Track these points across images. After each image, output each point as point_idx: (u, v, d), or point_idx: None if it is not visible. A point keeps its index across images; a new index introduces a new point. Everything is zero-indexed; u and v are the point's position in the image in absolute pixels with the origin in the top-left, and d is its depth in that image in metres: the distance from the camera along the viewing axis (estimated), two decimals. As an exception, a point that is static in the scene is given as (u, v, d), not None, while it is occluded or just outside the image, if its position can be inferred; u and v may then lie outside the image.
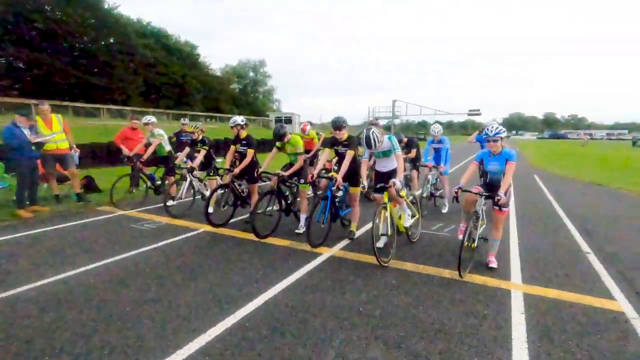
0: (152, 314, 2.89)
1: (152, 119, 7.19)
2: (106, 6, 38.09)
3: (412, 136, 7.47)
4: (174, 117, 32.09)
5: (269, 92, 75.69)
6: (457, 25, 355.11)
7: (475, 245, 3.74)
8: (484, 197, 3.75)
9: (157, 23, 59.32)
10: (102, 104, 31.92)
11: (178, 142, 8.35)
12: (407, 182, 7.36)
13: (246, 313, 2.91)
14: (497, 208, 3.73)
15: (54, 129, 6.33)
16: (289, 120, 39.40)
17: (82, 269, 3.79)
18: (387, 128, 46.79)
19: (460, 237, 3.74)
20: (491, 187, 3.85)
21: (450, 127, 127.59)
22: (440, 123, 8.02)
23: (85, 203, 6.68)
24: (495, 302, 3.16)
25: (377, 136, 4.22)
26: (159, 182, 7.32)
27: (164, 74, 44.99)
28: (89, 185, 7.74)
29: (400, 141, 7.22)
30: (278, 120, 39.05)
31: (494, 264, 3.92)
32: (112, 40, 39.48)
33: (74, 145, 6.75)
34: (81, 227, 5.41)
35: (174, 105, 44.17)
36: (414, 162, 7.07)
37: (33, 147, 5.92)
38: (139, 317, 2.84)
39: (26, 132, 5.93)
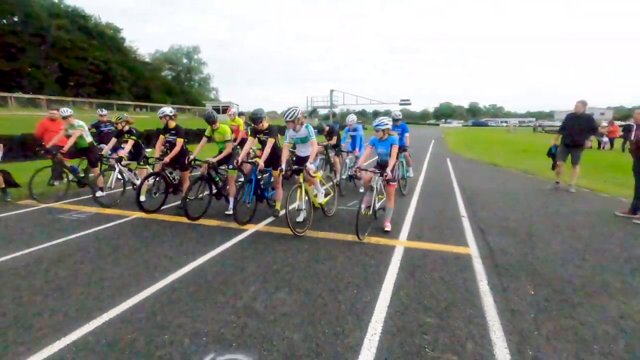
0: (88, 284, 3.27)
1: (69, 111, 7.04)
2: (7, -20, 33.50)
3: (332, 125, 8.29)
4: (98, 106, 29.74)
5: (204, 81, 72.81)
6: (393, 24, 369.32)
7: (371, 213, 4.60)
8: (377, 174, 4.62)
9: (72, 1, 53.16)
10: (8, 91, 28.48)
11: (99, 133, 8.16)
12: (332, 166, 8.21)
13: (176, 277, 3.43)
14: (387, 182, 4.63)
15: None
16: (226, 110, 38.63)
17: (12, 255, 3.94)
18: (326, 117, 48.09)
19: (364, 207, 4.59)
20: (382, 166, 4.74)
21: (388, 115, 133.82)
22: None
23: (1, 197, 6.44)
24: (381, 255, 4.04)
25: (294, 112, 4.85)
26: (82, 175, 7.24)
27: (84, 59, 41.05)
28: (6, 180, 7.34)
29: (322, 129, 8.04)
30: (215, 109, 38.10)
31: (388, 227, 4.85)
32: (16, 19, 34.97)
33: None
34: (7, 220, 5.35)
35: (97, 94, 40.61)
36: (335, 148, 7.91)
37: None
38: (75, 287, 3.21)
39: None
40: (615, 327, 2.66)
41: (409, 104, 44.63)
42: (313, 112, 44.85)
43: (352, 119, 7.54)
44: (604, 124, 20.52)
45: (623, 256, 4.05)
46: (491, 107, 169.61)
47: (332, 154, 8.21)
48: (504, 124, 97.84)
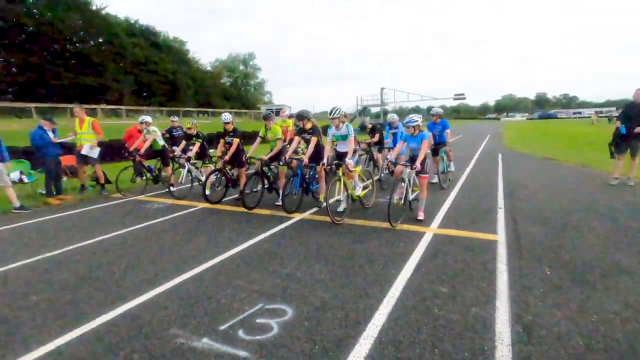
0: (170, 255, 4.19)
1: (148, 118, 8.39)
2: (94, 7, 38.42)
3: (374, 123, 8.75)
4: (167, 114, 32.96)
5: (259, 85, 76.28)
6: (451, 10, 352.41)
7: (403, 203, 5.03)
8: (408, 167, 5.03)
9: (145, 20, 59.27)
10: (95, 103, 32.66)
11: (171, 137, 9.49)
12: (375, 162, 8.67)
13: (235, 252, 4.22)
14: (418, 174, 5.03)
15: (83, 129, 7.59)
16: (278, 113, 40.46)
17: (116, 232, 5.08)
18: (378, 116, 47.87)
19: (396, 197, 5.04)
20: (414, 160, 5.14)
21: (444, 111, 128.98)
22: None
23: (100, 192, 7.92)
24: (410, 239, 4.47)
25: (338, 110, 5.50)
26: (156, 173, 8.53)
27: (155, 72, 45.65)
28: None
29: (364, 127, 8.54)
30: (277, 111, 40.25)
31: (421, 216, 5.24)
32: (101, 41, 40.00)
33: (95, 142, 7.74)
34: (105, 208, 6.70)
35: (166, 102, 44.89)
36: (377, 145, 8.37)
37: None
38: (161, 256, 4.14)
39: (50, 134, 7.14)
40: (621, 303, 2.87)
41: (464, 98, 42.90)
42: (363, 111, 44.97)
43: (394, 117, 7.97)
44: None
45: (660, 245, 4.03)
46: (562, 97, 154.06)
47: (375, 150, 8.69)
48: (576, 115, 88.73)
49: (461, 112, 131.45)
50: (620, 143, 7.44)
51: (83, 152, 7.58)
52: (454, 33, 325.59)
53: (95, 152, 7.69)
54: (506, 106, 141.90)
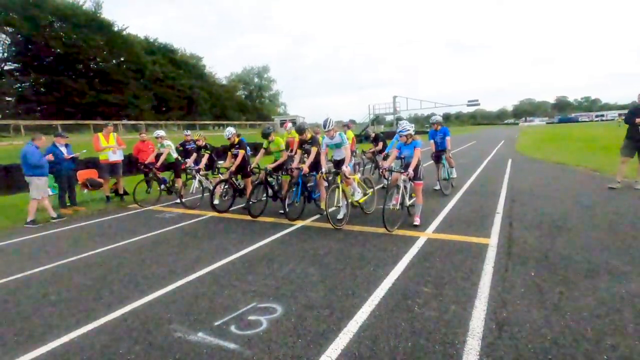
0: (181, 258, 4.50)
1: (162, 133, 8.85)
2: (116, 28, 40.29)
3: (378, 133, 8.99)
4: (185, 127, 34.05)
5: (274, 97, 77.55)
6: (457, 19, 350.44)
7: (399, 208, 5.20)
8: (402, 174, 5.21)
9: (164, 39, 61.74)
10: (117, 119, 34.10)
11: (184, 150, 9.97)
12: (380, 168, 8.86)
13: (237, 256, 4.49)
14: (414, 181, 5.21)
15: (110, 142, 8.35)
16: (292, 123, 41.01)
17: (130, 240, 5.45)
18: (391, 124, 47.91)
19: (392, 203, 5.22)
20: (407, 167, 5.32)
21: (459, 118, 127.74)
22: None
23: (120, 202, 8.41)
24: (404, 244, 4.63)
25: (330, 122, 5.79)
26: (169, 184, 8.95)
27: (173, 87, 47.26)
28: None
29: (368, 137, 8.78)
30: (282, 122, 40.84)
31: (417, 222, 5.38)
32: (122, 59, 41.84)
33: (115, 148, 8.56)
34: (122, 218, 7.13)
35: (183, 116, 46.31)
36: (381, 153, 8.57)
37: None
38: (169, 260, 4.45)
39: (63, 149, 7.66)
40: (597, 302, 2.96)
41: (478, 104, 42.54)
42: (376, 120, 45.10)
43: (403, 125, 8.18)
44: None
45: (652, 247, 4.05)
46: (584, 100, 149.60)
47: (380, 159, 8.89)
48: (598, 119, 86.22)
49: (478, 118, 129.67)
50: (626, 146, 7.39)
51: (111, 158, 8.39)
52: (468, 37, 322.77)
53: (119, 154, 8.59)
54: (525, 111, 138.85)
